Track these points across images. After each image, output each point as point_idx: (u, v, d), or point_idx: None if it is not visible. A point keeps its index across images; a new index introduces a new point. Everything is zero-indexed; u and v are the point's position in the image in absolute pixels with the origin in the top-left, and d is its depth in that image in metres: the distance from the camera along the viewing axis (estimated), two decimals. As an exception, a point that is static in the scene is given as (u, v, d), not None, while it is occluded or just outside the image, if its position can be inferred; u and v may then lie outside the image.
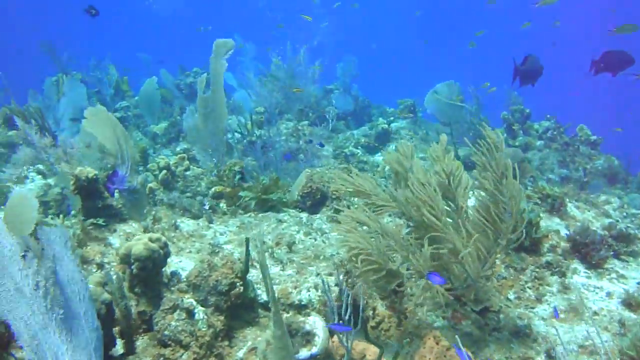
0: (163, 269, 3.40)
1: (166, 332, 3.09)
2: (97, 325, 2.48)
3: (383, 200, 3.32)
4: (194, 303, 3.22)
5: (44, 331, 1.96)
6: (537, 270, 3.56)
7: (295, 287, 3.45)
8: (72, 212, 5.53)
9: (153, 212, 4.46)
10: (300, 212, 4.77)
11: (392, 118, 10.07)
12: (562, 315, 3.28)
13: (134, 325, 3.23)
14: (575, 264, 3.88)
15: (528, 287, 3.46)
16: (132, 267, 3.20)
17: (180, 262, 3.92)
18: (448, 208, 3.32)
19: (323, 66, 10.97)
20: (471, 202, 3.35)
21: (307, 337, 2.92)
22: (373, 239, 3.07)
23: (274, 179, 5.12)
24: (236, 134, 8.22)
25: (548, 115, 8.71)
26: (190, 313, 3.18)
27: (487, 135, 3.15)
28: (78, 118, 9.38)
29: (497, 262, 3.57)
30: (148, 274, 3.23)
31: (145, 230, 4.19)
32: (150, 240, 3.26)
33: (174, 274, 3.41)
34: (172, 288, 3.31)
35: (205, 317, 3.18)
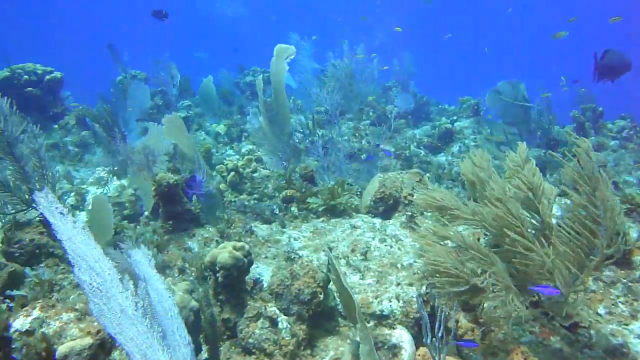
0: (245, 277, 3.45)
1: (250, 340, 3.14)
2: (189, 340, 2.52)
3: (466, 214, 3.25)
4: (277, 311, 3.25)
5: (150, 350, 2.00)
6: (631, 284, 3.41)
7: (376, 297, 3.43)
8: (145, 213, 5.70)
9: (226, 217, 4.52)
10: (373, 217, 4.74)
11: (455, 117, 9.88)
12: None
13: (218, 332, 3.30)
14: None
15: (620, 302, 3.32)
16: (218, 275, 3.26)
17: (257, 267, 3.96)
18: (533, 221, 3.22)
19: (381, 64, 10.88)
20: (554, 209, 3.24)
21: (394, 351, 2.90)
22: (454, 253, 3.01)
23: (340, 183, 5.10)
24: (298, 133, 8.25)
25: (623, 114, 8.36)
26: (273, 322, 3.21)
27: (574, 142, 3.02)
28: (143, 119, 9.66)
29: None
30: (232, 281, 3.28)
31: (222, 234, 4.26)
32: (235, 248, 3.30)
33: (257, 281, 3.44)
34: (255, 296, 3.34)
35: (289, 325, 3.20)
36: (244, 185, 6.35)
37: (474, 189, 3.62)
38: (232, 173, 6.31)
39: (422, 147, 8.99)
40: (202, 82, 11.22)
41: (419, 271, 3.63)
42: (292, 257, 4.08)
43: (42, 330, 2.56)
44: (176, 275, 3.83)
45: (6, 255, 3.69)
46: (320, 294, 3.35)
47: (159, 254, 3.77)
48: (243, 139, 9.33)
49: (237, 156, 8.93)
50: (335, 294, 3.51)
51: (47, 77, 9.28)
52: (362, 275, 3.72)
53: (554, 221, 3.18)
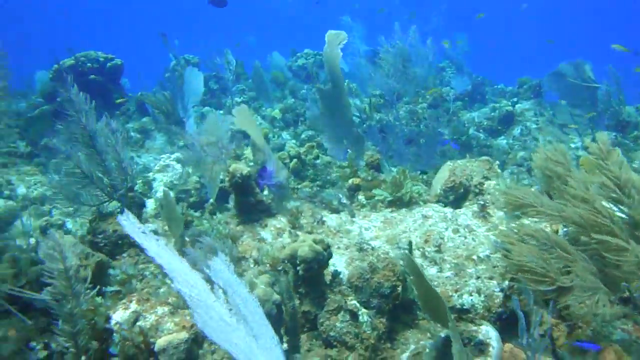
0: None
1: (332, 333, 3.16)
2: (277, 339, 2.54)
3: (550, 210, 3.15)
4: (358, 305, 3.26)
5: (252, 353, 2.03)
6: None
7: (456, 291, 3.39)
8: (210, 201, 5.79)
9: (297, 207, 4.54)
10: (443, 206, 4.67)
11: (515, 99, 9.61)
12: None
13: (298, 324, 3.33)
14: None
15: None
16: (298, 268, 3.28)
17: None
18: (621, 215, 3.10)
19: (436, 46, 10.66)
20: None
21: (480, 347, 2.86)
22: (539, 251, 2.94)
23: (402, 172, 5.02)
24: (354, 117, 8.20)
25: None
26: (354, 315, 3.22)
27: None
28: (197, 104, 9.76)
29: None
30: (312, 275, 3.30)
31: (294, 225, 4.29)
32: (315, 242, 3.32)
33: (335, 274, 3.45)
34: (335, 289, 3.36)
35: (369, 319, 3.21)
36: (307, 172, 6.37)
37: (549, 183, 3.53)
38: (295, 160, 6.33)
39: (481, 131, 8.81)
40: (253, 67, 11.29)
41: (498, 264, 3.56)
42: (365, 247, 4.08)
43: (139, 323, 2.64)
44: (252, 266, 3.88)
45: (92, 245, 3.82)
46: (400, 287, 3.34)
47: (234, 245, 3.82)
48: (299, 123, 9.33)
49: (294, 141, 8.97)
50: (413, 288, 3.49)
51: (109, 64, 9.51)
52: (440, 267, 3.68)
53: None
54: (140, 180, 6.61)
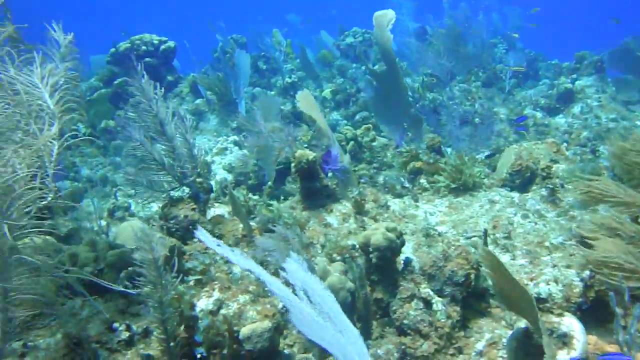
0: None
1: (405, 321, 3.15)
2: (357, 333, 2.52)
3: (633, 198, 3.04)
4: (431, 293, 3.24)
5: (345, 349, 2.04)
6: None
7: (531, 279, 3.33)
8: (269, 183, 5.83)
9: (360, 191, 4.53)
10: (510, 191, 4.57)
11: (574, 75, 9.28)
12: None
13: (371, 312, 3.34)
14: None
15: None
16: (371, 256, 3.27)
17: (397, 244, 3.95)
18: None
19: (488, 22, 10.38)
20: None
21: (564, 340, 2.81)
22: (626, 245, 2.84)
23: (460, 158, 4.90)
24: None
25: None
26: (427, 303, 3.21)
27: None
28: (247, 86, 9.77)
29: None
30: (385, 262, 3.29)
31: (359, 210, 4.27)
32: (388, 229, 3.30)
33: (407, 261, 3.43)
34: (407, 277, 3.34)
35: (443, 307, 3.18)
36: (363, 154, 6.33)
37: (630, 173, 3.42)
38: (352, 142, 6.30)
39: (538, 109, 8.55)
40: (299, 47, 11.23)
41: (574, 252, 3.47)
42: (432, 233, 4.04)
43: (222, 311, 2.69)
44: (319, 252, 3.90)
45: (164, 231, 3.90)
46: (473, 275, 3.30)
47: (302, 232, 3.84)
48: (351, 104, 9.25)
49: (345, 121, 8.91)
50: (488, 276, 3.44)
51: (162, 46, 9.61)
52: (513, 255, 3.61)
53: None
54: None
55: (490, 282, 3.37)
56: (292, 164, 4.23)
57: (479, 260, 3.22)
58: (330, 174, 4.47)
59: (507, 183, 4.69)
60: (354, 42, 12.29)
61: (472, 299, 3.38)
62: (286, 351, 2.84)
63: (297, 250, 3.29)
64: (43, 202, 2.68)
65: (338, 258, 3.59)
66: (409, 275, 3.36)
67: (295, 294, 2.23)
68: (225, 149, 6.83)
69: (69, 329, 3.18)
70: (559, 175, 4.51)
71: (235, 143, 6.94)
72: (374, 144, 6.44)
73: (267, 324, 2.58)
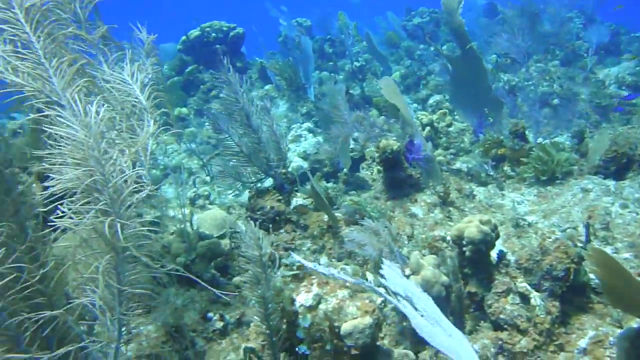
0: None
1: (502, 316, 3.07)
2: (461, 334, 2.47)
3: None
4: (528, 287, 3.14)
5: (455, 348, 2.00)
6: None
7: (639, 275, 3.17)
8: (344, 170, 5.80)
9: (444, 181, 4.44)
10: (603, 178, 4.36)
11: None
12: None
13: (464, 305, 3.28)
14: None
15: None
16: (465, 249, 3.20)
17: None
18: None
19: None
20: None
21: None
22: None
23: (543, 149, 4.68)
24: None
25: None
26: (525, 298, 3.11)
27: None
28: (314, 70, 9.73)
29: None
30: (480, 256, 3.21)
31: (444, 200, 4.19)
32: (482, 222, 3.22)
33: (501, 255, 3.34)
34: (502, 270, 3.25)
35: (542, 302, 3.08)
36: (440, 139, 6.21)
37: None
38: (428, 128, 6.18)
39: (624, 88, 8.10)
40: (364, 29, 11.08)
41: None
42: (521, 223, 3.92)
43: (321, 306, 2.70)
44: (406, 242, 3.85)
45: (252, 221, 3.96)
46: (574, 269, 3.17)
47: (391, 224, 3.80)
48: (421, 87, 9.08)
49: (415, 104, 8.76)
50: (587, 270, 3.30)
51: (231, 33, 9.71)
52: (615, 248, 3.45)
53: None
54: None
55: (593, 277, 3.25)
56: (376, 154, 4.18)
57: (583, 254, 3.09)
58: (413, 163, 4.40)
59: (601, 170, 4.47)
60: (420, 22, 12.03)
61: (570, 294, 3.26)
62: (383, 346, 2.83)
63: (388, 243, 3.26)
64: (144, 198, 2.75)
65: (425, 252, 3.54)
66: (504, 268, 3.26)
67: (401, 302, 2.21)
68: (300, 136, 6.84)
69: (167, 317, 3.29)
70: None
71: (310, 130, 6.95)
72: (450, 129, 6.30)
73: (368, 320, 2.57)
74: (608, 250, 3.45)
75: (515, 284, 3.16)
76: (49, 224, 2.49)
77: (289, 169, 6.24)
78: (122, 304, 2.32)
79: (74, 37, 2.89)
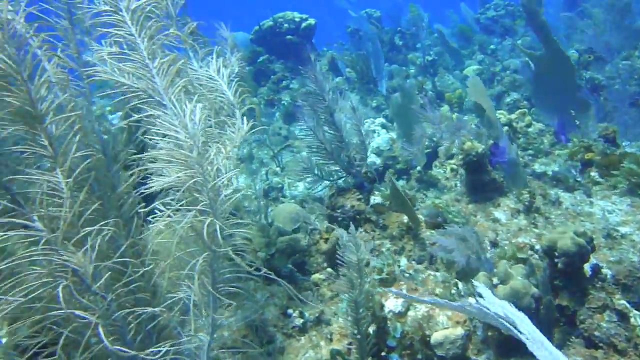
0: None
1: (596, 333, 2.94)
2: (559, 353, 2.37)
3: None
4: (628, 305, 2.99)
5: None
6: None
7: None
8: (418, 168, 5.71)
9: (527, 185, 4.28)
10: None
11: None
12: None
13: (553, 318, 3.16)
14: None
15: None
16: (557, 260, 3.08)
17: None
18: None
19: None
20: None
21: None
22: None
23: (635, 159, 4.40)
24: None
25: None
26: (623, 316, 2.96)
27: None
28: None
29: None
30: (573, 269, 3.08)
31: (529, 206, 4.05)
32: (577, 234, 3.08)
33: (595, 268, 3.19)
34: (597, 285, 3.10)
35: (642, 322, 2.93)
36: (518, 140, 6.00)
37: None
38: (506, 128, 5.98)
39: None
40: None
41: None
42: (613, 234, 3.73)
43: (411, 314, 2.66)
44: (489, 248, 3.75)
45: (331, 219, 3.95)
46: (677, 289, 3.00)
47: (477, 230, 3.71)
48: (496, 83, 8.81)
49: (494, 103, 8.50)
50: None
51: (303, 24, 9.71)
52: None
53: None
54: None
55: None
56: (460, 156, 4.08)
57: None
58: (497, 166, 4.27)
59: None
60: (495, 15, 11.67)
61: (672, 314, 3.09)
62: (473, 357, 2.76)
63: (476, 251, 3.17)
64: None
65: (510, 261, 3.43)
66: (600, 283, 3.12)
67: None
68: (373, 131, 6.78)
69: (248, 311, 3.33)
70: None
71: (383, 126, 6.87)
72: (529, 129, 6.07)
73: (459, 330, 2.52)
74: None
75: (612, 300, 3.01)
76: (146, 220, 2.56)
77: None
78: (214, 301, 2.35)
79: (164, 33, 2.93)
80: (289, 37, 9.54)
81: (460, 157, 4.11)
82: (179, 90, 2.50)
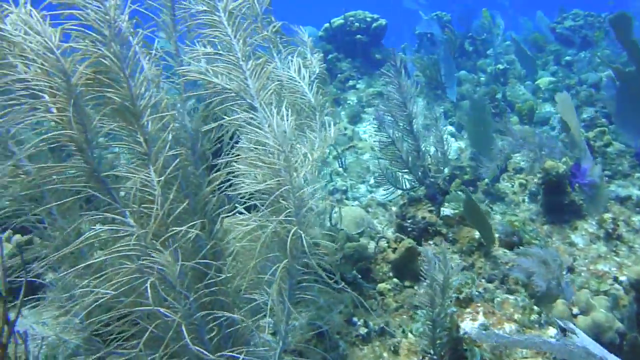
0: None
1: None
2: None
3: None
4: None
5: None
6: None
7: None
8: (485, 180, 5.57)
9: (608, 210, 4.10)
10: None
11: None
12: None
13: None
14: None
15: None
16: (644, 295, 2.93)
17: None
18: None
19: None
20: None
21: None
22: None
23: None
24: None
25: None
26: None
27: None
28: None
29: None
30: (661, 305, 2.92)
31: (610, 233, 3.87)
32: (668, 269, 2.92)
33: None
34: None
35: None
36: (595, 159, 5.76)
37: None
38: (583, 146, 5.76)
39: None
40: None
41: None
42: None
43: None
44: (565, 273, 3.60)
45: (401, 229, 3.89)
46: None
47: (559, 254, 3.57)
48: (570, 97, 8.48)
49: (559, 116, 8.20)
50: None
51: (374, 24, 9.63)
52: None
53: None
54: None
55: None
56: (539, 175, 3.94)
57: None
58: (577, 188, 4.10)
59: None
60: (572, 25, 11.24)
61: None
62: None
63: (558, 276, 3.05)
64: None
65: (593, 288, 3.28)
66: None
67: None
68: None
69: (315, 317, 3.31)
70: None
71: (452, 134, 6.74)
72: (608, 149, 5.82)
73: (540, 362, 2.42)
74: None
75: (700, 343, 2.84)
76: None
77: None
78: (289, 307, 2.34)
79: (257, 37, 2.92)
80: (358, 36, 9.47)
81: (539, 175, 3.96)
82: (270, 94, 2.49)
